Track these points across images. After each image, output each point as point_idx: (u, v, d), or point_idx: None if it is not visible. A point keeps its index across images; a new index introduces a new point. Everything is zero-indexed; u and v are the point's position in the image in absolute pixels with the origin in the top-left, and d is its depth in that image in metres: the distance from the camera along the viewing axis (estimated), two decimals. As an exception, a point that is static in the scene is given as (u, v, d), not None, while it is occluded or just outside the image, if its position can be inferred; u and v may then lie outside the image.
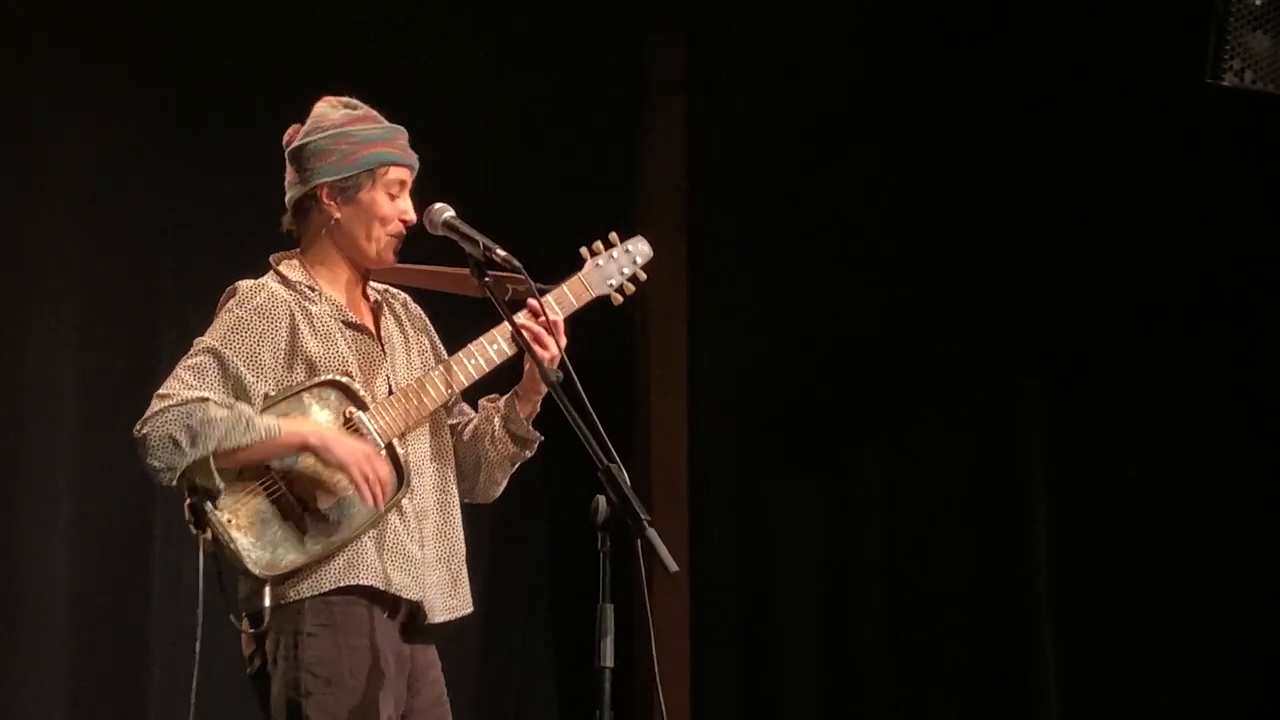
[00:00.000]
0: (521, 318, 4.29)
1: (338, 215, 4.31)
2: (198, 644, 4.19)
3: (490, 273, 4.25)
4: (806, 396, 7.38)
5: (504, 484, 4.52)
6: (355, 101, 4.39)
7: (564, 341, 4.31)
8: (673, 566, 3.90)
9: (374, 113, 4.37)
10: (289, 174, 4.37)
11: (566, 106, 7.16)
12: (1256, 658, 7.07)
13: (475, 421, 4.48)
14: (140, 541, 6.26)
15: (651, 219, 7.14)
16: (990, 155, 7.31)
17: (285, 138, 4.39)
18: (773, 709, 7.36)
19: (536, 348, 4.25)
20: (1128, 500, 7.27)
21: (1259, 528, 7.11)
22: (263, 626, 4.16)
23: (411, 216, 4.34)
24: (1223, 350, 7.17)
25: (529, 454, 4.46)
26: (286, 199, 4.37)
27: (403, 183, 4.34)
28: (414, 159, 4.38)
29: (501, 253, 4.22)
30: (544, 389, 4.29)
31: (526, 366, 4.35)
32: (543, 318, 4.28)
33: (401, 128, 4.38)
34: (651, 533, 3.89)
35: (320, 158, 4.30)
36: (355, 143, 4.30)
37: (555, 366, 4.25)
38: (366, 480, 4.14)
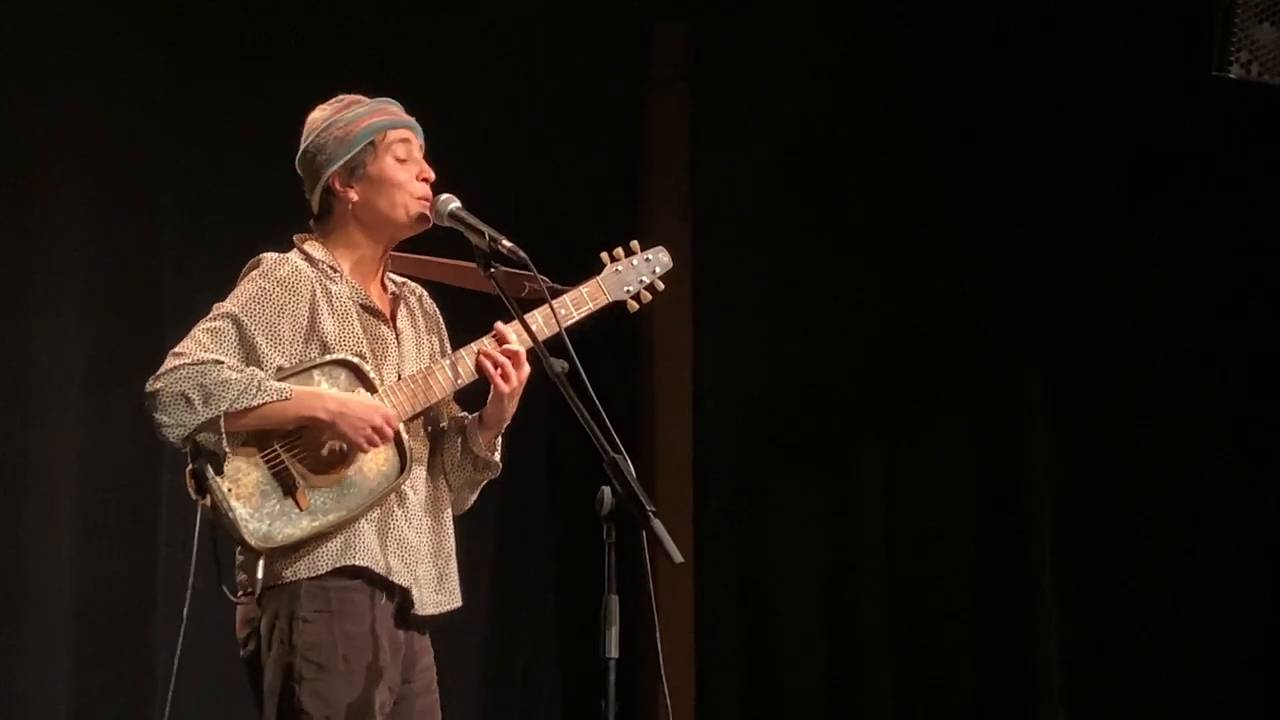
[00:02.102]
0: (487, 344, 4.30)
1: (355, 196, 4.33)
2: (185, 608, 4.21)
3: (500, 267, 4.25)
4: (810, 390, 7.37)
5: (471, 500, 4.50)
6: (340, 95, 4.42)
7: (526, 373, 4.30)
8: (678, 558, 3.89)
9: (358, 96, 4.40)
10: (305, 182, 4.40)
11: (570, 99, 7.16)
12: (1257, 657, 7.05)
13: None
14: (143, 537, 6.26)
15: (656, 212, 7.15)
16: (995, 151, 7.30)
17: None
18: (776, 700, 7.35)
19: (498, 379, 4.27)
20: (1130, 499, 7.26)
21: (1260, 527, 7.09)
22: (256, 600, 4.16)
23: (430, 173, 4.36)
24: (1225, 349, 7.15)
25: (492, 474, 4.45)
26: (311, 204, 4.39)
27: (405, 142, 4.36)
28: (410, 120, 4.39)
29: (507, 244, 4.22)
30: (507, 419, 4.34)
31: (490, 395, 4.34)
32: (506, 346, 4.29)
33: (389, 98, 4.40)
34: (657, 524, 3.88)
35: (322, 153, 4.34)
36: (346, 125, 4.33)
37: (514, 400, 4.29)
38: (372, 442, 4.16)
